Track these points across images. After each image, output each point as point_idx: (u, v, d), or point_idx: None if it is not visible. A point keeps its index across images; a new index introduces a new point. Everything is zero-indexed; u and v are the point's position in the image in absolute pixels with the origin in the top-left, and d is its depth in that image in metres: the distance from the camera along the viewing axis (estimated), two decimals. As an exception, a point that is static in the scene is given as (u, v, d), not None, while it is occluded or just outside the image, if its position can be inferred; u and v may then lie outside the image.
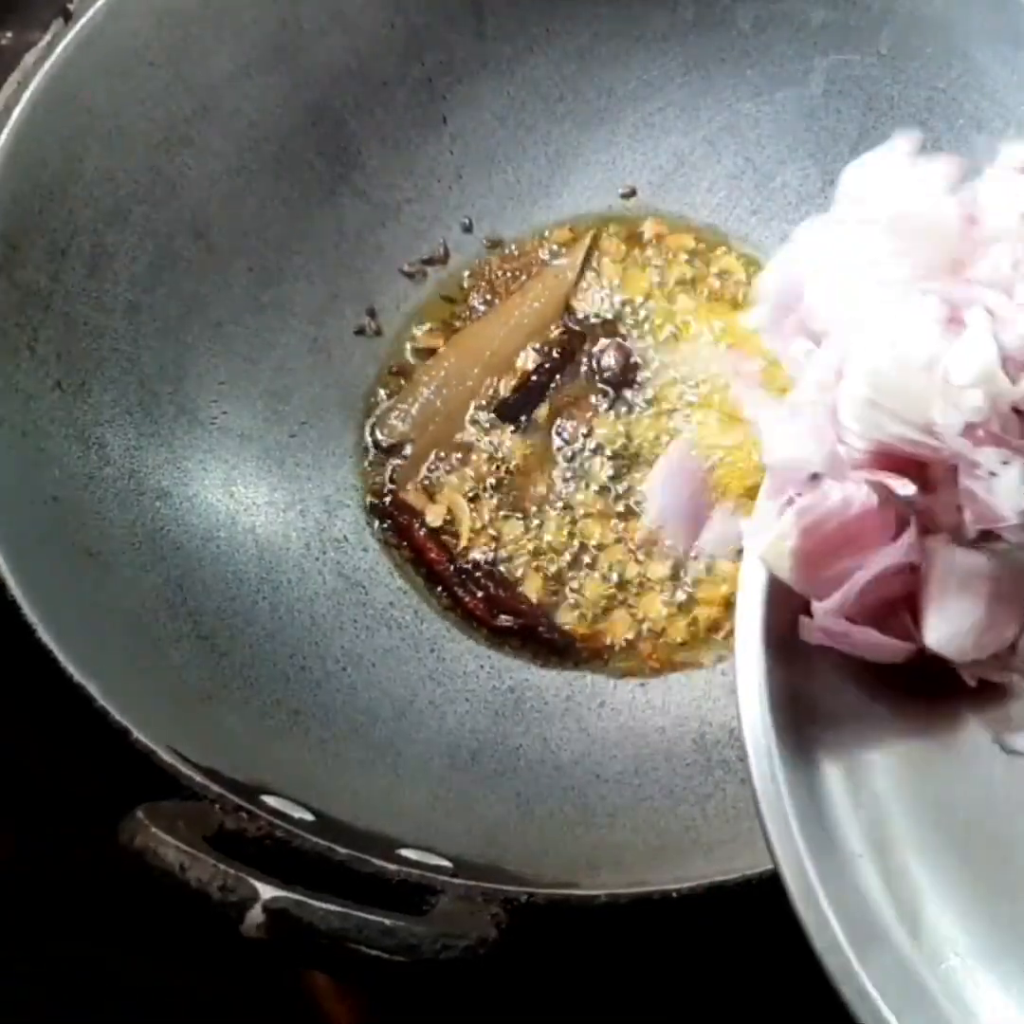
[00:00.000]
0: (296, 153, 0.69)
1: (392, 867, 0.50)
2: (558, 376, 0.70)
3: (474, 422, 0.69)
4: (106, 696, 0.52)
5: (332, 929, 0.44)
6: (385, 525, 0.68)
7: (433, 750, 0.62)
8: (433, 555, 0.67)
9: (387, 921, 0.44)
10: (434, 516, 0.68)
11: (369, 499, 0.68)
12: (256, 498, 0.67)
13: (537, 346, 0.70)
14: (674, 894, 0.50)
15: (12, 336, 0.59)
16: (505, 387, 0.70)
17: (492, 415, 0.69)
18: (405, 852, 0.52)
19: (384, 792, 0.58)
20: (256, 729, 0.58)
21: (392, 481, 0.69)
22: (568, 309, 0.71)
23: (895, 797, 0.42)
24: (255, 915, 0.44)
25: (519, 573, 0.67)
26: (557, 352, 0.70)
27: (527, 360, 0.70)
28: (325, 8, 0.67)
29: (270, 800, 0.52)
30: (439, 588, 0.67)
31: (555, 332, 0.71)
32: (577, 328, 0.71)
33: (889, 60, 0.66)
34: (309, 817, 0.52)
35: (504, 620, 0.66)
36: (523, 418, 0.69)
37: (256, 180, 0.68)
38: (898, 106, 0.67)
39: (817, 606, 0.42)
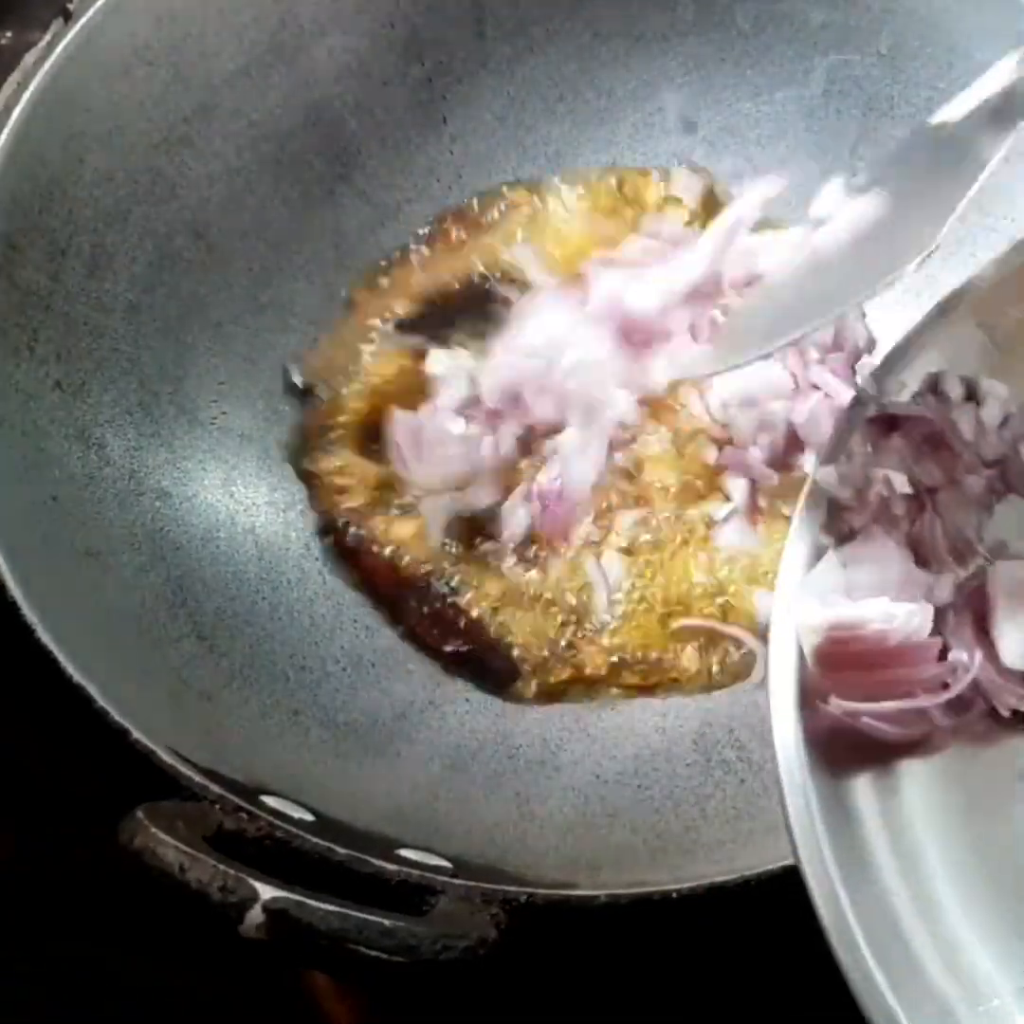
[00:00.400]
0: (296, 153, 0.69)
1: (392, 867, 0.50)
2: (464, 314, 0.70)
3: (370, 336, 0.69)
4: (106, 696, 0.52)
5: (332, 929, 0.44)
6: (328, 542, 0.67)
7: (433, 750, 0.62)
8: (379, 576, 0.66)
9: (386, 922, 0.44)
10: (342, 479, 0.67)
11: (316, 519, 0.67)
12: (256, 498, 0.67)
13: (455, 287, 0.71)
14: (674, 894, 0.50)
15: (12, 336, 0.59)
16: (407, 310, 0.70)
17: (391, 329, 0.70)
18: (405, 852, 0.52)
19: (384, 792, 0.58)
20: (256, 729, 0.58)
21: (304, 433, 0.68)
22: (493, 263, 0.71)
23: (929, 828, 0.41)
24: (255, 915, 0.44)
25: (464, 595, 0.65)
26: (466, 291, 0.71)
27: (436, 294, 0.71)
28: (325, 8, 0.67)
29: (270, 800, 0.52)
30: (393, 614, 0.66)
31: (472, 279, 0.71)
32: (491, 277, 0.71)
33: (889, 60, 0.66)
34: (309, 817, 0.52)
35: (452, 646, 0.65)
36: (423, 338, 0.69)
37: (256, 180, 0.68)
38: (898, 106, 0.67)
39: (836, 703, 0.42)
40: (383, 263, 0.71)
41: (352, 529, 0.67)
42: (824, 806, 0.41)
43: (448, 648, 0.65)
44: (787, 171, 0.71)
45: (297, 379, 0.69)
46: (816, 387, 0.67)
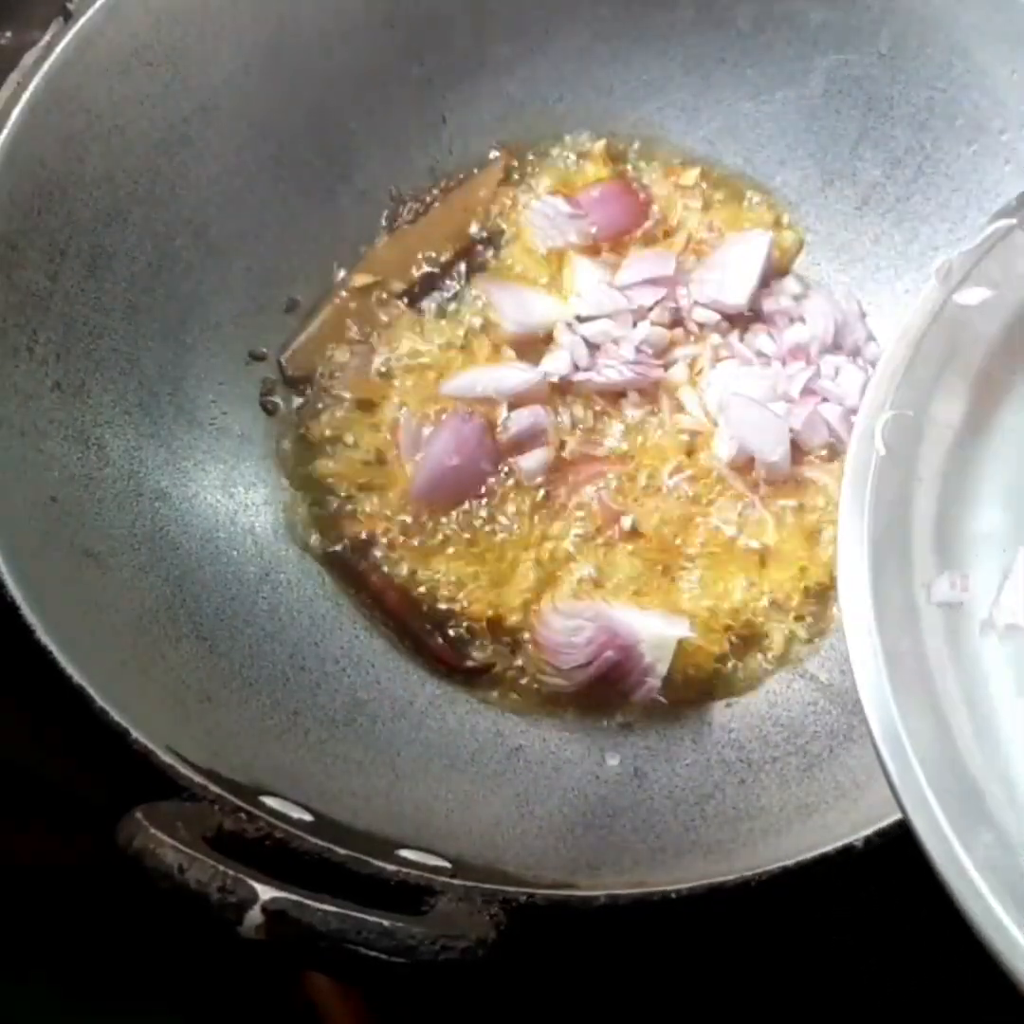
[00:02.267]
0: (296, 153, 0.69)
1: (391, 868, 0.50)
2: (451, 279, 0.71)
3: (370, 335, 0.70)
4: (106, 696, 0.52)
5: (331, 930, 0.44)
6: (336, 573, 0.66)
7: (433, 750, 0.62)
8: (388, 598, 0.66)
9: (386, 922, 0.44)
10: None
11: (321, 546, 0.67)
12: (255, 498, 0.67)
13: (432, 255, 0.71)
14: (673, 895, 0.50)
15: (11, 336, 0.59)
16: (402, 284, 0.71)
17: (400, 301, 0.70)
18: (404, 853, 0.52)
19: (384, 792, 0.58)
20: (255, 730, 0.58)
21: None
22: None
23: (993, 664, 0.41)
24: (254, 916, 0.44)
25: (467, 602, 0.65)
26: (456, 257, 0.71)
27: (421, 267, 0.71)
28: (325, 8, 0.67)
29: (269, 801, 0.52)
30: (403, 634, 0.65)
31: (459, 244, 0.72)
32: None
33: (889, 60, 0.66)
34: (308, 818, 0.52)
35: (473, 662, 0.65)
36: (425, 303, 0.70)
37: (256, 180, 0.68)
38: (898, 106, 0.67)
39: None
40: (383, 261, 0.71)
41: (351, 531, 0.67)
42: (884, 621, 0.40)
43: (468, 665, 0.65)
44: (787, 171, 0.71)
45: (296, 378, 0.69)
46: (814, 392, 0.67)
